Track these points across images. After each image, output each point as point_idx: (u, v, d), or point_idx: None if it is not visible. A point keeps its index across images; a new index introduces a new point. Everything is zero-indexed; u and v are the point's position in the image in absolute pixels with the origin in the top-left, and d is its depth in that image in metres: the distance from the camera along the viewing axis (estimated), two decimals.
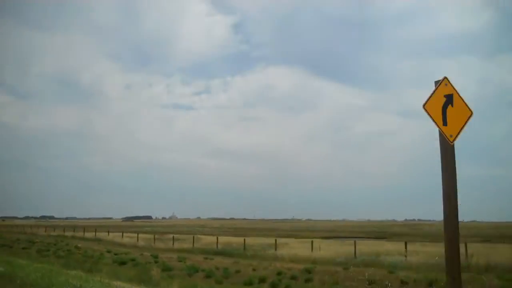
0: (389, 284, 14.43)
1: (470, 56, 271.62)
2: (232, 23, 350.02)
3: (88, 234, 44.13)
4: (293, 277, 16.72)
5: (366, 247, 29.08)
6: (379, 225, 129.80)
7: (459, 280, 3.73)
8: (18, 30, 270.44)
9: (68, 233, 48.23)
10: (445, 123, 4.06)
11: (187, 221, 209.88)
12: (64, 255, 27.12)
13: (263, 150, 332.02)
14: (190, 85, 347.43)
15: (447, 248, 3.88)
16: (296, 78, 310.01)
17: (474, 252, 20.95)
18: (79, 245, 33.51)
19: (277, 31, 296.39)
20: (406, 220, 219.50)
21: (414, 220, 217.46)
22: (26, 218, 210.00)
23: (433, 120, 4.08)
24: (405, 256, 21.32)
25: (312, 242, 25.94)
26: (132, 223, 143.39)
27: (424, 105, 4.20)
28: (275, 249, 26.33)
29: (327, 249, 26.68)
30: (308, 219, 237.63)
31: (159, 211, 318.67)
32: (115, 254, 26.95)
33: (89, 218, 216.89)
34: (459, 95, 4.17)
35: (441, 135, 4.05)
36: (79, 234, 45.81)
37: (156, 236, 40.13)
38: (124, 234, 42.11)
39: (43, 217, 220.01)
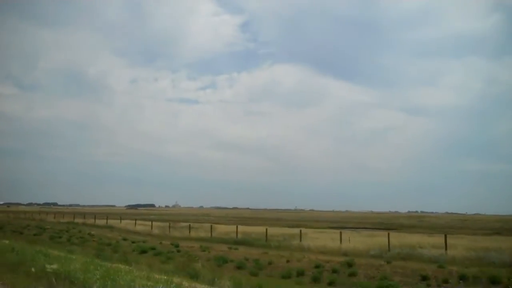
0: (448, 280, 13.20)
1: (476, 56, 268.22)
2: (239, 23, 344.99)
3: (99, 221, 43.06)
4: (335, 271, 15.47)
5: (394, 239, 27.84)
6: (384, 216, 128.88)
7: None
8: (26, 25, 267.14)
9: (78, 220, 47.19)
10: None
11: (191, 209, 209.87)
12: (78, 242, 26.03)
13: (267, 144, 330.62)
14: (196, 80, 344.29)
15: None
16: (302, 75, 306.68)
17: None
18: (92, 232, 32.39)
19: (284, 29, 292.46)
20: (409, 212, 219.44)
21: (416, 212, 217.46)
22: (30, 204, 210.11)
23: None
24: (445, 249, 20.05)
25: (340, 233, 24.65)
26: (137, 211, 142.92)
27: None
28: (300, 240, 25.10)
29: (354, 240, 25.46)
30: (311, 210, 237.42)
31: (162, 200, 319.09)
32: (133, 242, 25.84)
33: (92, 206, 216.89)
34: None
35: None
36: (90, 221, 44.77)
37: (167, 224, 39.01)
38: (137, 221, 40.97)
39: (46, 203, 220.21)
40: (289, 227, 48.79)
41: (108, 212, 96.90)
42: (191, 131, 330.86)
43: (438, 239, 29.38)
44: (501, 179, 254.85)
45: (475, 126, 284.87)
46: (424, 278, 13.86)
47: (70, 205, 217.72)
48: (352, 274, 14.96)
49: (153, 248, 22.74)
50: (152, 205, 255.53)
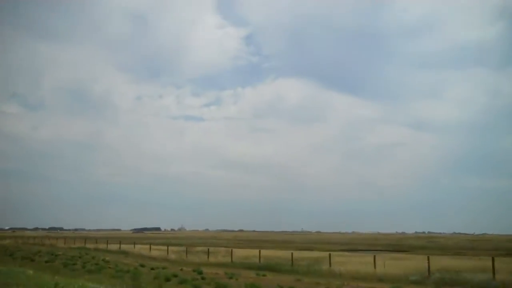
0: None
1: (481, 68, 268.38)
2: (243, 35, 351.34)
3: (111, 246, 41.67)
4: None
5: (422, 262, 26.38)
6: (392, 238, 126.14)
7: None
8: (30, 43, 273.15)
9: (90, 245, 45.82)
10: None
11: (197, 232, 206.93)
12: (94, 270, 24.75)
13: (272, 162, 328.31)
14: (201, 96, 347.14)
15: None
16: (307, 90, 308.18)
17: None
18: (106, 258, 31.06)
19: (288, 43, 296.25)
20: (416, 232, 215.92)
21: (423, 232, 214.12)
22: (36, 229, 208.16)
23: None
24: (493, 274, 18.61)
25: (374, 257, 23.20)
26: (144, 235, 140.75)
27: None
28: (330, 265, 23.66)
29: (386, 264, 23.96)
30: (318, 231, 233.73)
31: (167, 223, 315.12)
32: (152, 269, 24.49)
33: (98, 230, 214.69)
34: None
35: None
36: (102, 246, 43.39)
37: (182, 248, 37.63)
38: (152, 246, 39.54)
39: (52, 228, 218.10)
40: (300, 250, 47.14)
41: (115, 237, 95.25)
42: (196, 150, 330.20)
43: (470, 262, 27.89)
44: (509, 197, 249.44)
45: (481, 140, 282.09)
46: None
47: (76, 229, 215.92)
48: None
49: (175, 275, 21.42)
50: (158, 229, 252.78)
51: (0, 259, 31.02)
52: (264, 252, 35.25)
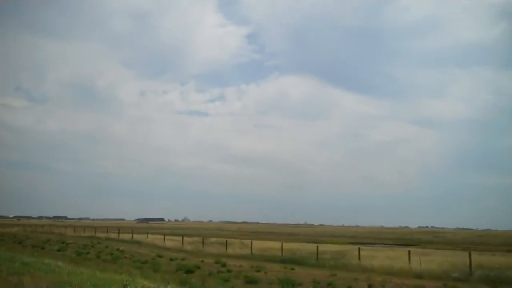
0: None
1: (485, 67, 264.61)
2: (245, 33, 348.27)
3: (123, 236, 40.62)
4: None
5: (456, 258, 25.16)
6: (398, 232, 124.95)
7: None
8: (35, 38, 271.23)
9: (100, 234, 44.80)
10: None
11: (200, 224, 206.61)
12: (109, 259, 23.69)
13: (276, 157, 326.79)
14: (205, 92, 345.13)
15: None
16: (310, 87, 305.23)
17: None
18: (121, 247, 29.99)
19: (291, 40, 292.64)
20: (419, 227, 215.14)
21: (427, 227, 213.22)
22: (40, 218, 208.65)
23: None
24: None
25: (409, 252, 21.94)
26: (149, 225, 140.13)
27: None
28: (359, 259, 22.42)
29: (415, 260, 22.63)
30: (321, 224, 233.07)
31: (171, 214, 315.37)
32: (171, 260, 23.38)
33: (102, 219, 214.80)
34: None
35: None
36: (112, 235, 42.37)
37: (197, 239, 36.55)
38: (166, 236, 38.42)
39: (56, 217, 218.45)
40: (307, 242, 45.83)
41: (120, 226, 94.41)
42: (200, 144, 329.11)
43: (502, 259, 26.67)
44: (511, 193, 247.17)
45: (484, 138, 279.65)
46: None
47: (80, 219, 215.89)
48: None
49: (197, 267, 20.32)
50: (162, 219, 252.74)
51: (10, 247, 30.09)
52: (279, 245, 34.08)
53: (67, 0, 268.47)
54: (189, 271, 19.33)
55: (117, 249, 29.11)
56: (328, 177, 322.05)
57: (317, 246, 25.18)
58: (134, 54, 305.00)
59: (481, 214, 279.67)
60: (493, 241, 65.99)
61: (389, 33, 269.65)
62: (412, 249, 41.36)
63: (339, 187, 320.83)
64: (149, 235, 40.82)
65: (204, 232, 79.60)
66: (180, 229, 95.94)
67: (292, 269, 20.12)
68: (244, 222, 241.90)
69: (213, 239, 36.54)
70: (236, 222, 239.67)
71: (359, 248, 23.47)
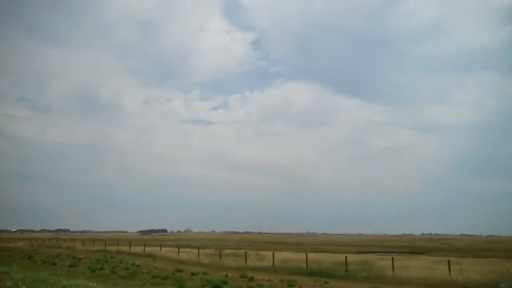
0: None
1: (490, 72, 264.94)
2: (251, 40, 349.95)
3: (134, 249, 39.25)
4: None
5: (489, 266, 23.93)
6: (402, 239, 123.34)
7: None
8: (38, 47, 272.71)
9: (110, 248, 43.37)
10: None
11: (204, 234, 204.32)
12: (126, 275, 22.41)
13: (279, 165, 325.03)
14: (209, 100, 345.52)
15: None
16: (314, 94, 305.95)
17: None
18: (136, 262, 28.68)
19: (296, 47, 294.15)
20: (423, 234, 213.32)
21: (430, 234, 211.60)
22: (42, 231, 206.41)
23: None
24: None
25: (449, 261, 20.70)
26: (153, 237, 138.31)
27: None
28: (393, 270, 21.17)
29: (442, 269, 21.34)
30: (324, 233, 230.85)
31: (173, 225, 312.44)
32: (192, 274, 22.11)
33: (104, 232, 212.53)
34: None
35: None
36: (123, 248, 40.98)
37: (211, 251, 35.22)
38: (181, 249, 37.00)
39: (59, 230, 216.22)
40: (314, 252, 44.62)
41: (124, 238, 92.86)
42: (203, 153, 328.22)
43: None
44: None
45: (487, 143, 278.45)
46: None
47: (83, 231, 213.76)
48: None
49: (224, 282, 19.05)
50: (165, 230, 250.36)
51: (19, 263, 28.73)
52: (298, 256, 32.78)
53: (70, 8, 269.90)
54: (216, 287, 18.15)
55: (132, 264, 27.80)
56: (331, 185, 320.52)
57: (346, 257, 23.89)
58: (138, 62, 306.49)
59: (484, 220, 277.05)
60: (500, 247, 64.51)
61: (394, 39, 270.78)
62: (425, 257, 40.21)
63: (342, 194, 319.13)
64: (163, 248, 39.46)
65: (209, 243, 78.03)
66: (184, 241, 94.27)
67: (326, 282, 18.86)
68: (246, 232, 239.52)
69: (228, 251, 35.19)
70: (238, 232, 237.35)
71: (392, 258, 22.15)
